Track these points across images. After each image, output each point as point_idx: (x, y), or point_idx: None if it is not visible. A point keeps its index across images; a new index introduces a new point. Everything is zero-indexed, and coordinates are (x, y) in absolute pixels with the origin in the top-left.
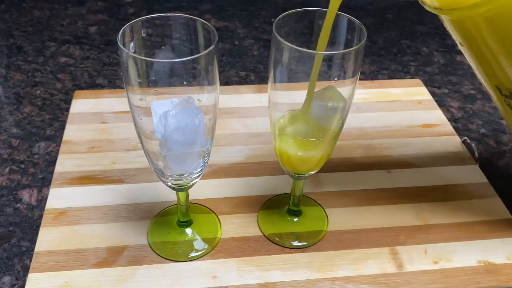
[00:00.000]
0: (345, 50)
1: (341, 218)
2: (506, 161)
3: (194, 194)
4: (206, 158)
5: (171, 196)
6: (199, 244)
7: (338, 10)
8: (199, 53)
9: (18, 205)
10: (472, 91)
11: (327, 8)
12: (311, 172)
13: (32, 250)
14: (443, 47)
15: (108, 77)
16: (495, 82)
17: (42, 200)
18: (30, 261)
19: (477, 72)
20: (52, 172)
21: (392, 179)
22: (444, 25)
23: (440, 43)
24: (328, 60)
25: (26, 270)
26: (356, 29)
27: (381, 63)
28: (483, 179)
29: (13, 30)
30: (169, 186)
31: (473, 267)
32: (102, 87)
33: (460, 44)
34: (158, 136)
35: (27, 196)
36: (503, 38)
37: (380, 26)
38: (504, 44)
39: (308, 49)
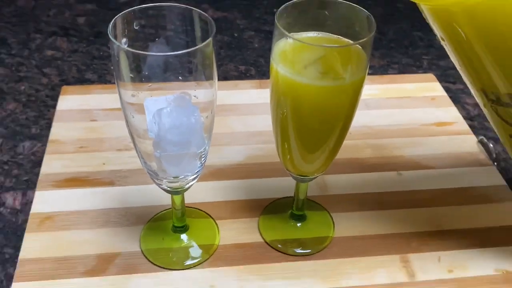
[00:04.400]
0: (353, 43)
1: (348, 224)
2: None
3: (190, 197)
4: (203, 159)
5: (166, 199)
6: (195, 251)
7: None
8: (195, 46)
9: (1, 209)
10: None
11: None
12: (316, 174)
13: (16, 257)
14: None
15: (98, 72)
16: (480, 85)
17: (27, 204)
18: (14, 269)
19: (461, 73)
20: (37, 174)
21: (403, 182)
22: (424, 16)
23: None
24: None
25: (10, 279)
26: (365, 20)
27: (391, 57)
28: (501, 181)
29: None
30: (163, 189)
31: (490, 276)
32: (91, 82)
33: (442, 39)
34: (152, 135)
35: (10, 199)
36: (485, 33)
37: (391, 17)
38: (486, 40)
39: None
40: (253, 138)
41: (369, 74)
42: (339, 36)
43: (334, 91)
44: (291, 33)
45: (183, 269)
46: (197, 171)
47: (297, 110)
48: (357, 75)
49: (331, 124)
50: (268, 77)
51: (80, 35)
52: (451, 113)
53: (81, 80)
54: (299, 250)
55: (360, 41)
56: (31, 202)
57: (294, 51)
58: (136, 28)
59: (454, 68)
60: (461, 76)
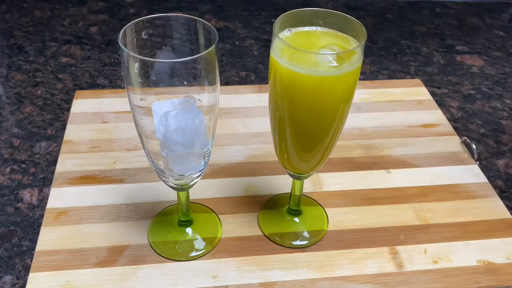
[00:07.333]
0: (344, 51)
1: (341, 218)
2: (505, 161)
3: (195, 193)
4: (206, 158)
5: (172, 195)
6: (199, 244)
7: (338, 10)
8: (199, 53)
9: (19, 204)
10: (472, 91)
11: (327, 8)
12: (311, 172)
13: (33, 249)
14: (443, 47)
15: (109, 77)
16: None
17: (43, 200)
18: (31, 260)
19: None
20: (53, 172)
21: (392, 179)
22: None
23: (440, 43)
24: None
25: (27, 269)
26: (356, 30)
27: (381, 63)
28: (483, 179)
29: (14, 30)
30: (169, 186)
31: (472, 267)
32: (103, 87)
33: None
34: (159, 136)
35: (28, 195)
36: None
37: (380, 26)
38: None
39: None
40: (253, 139)
41: (360, 79)
42: (335, 31)
43: (329, 81)
44: (291, 28)
45: (188, 260)
46: (201, 169)
47: (294, 105)
48: (350, 68)
49: (326, 123)
50: (266, 82)
51: (92, 43)
52: (436, 116)
53: (93, 85)
54: (295, 243)
55: (353, 47)
56: (47, 198)
57: (293, 49)
58: (145, 36)
59: (439, 73)
60: (445, 81)
